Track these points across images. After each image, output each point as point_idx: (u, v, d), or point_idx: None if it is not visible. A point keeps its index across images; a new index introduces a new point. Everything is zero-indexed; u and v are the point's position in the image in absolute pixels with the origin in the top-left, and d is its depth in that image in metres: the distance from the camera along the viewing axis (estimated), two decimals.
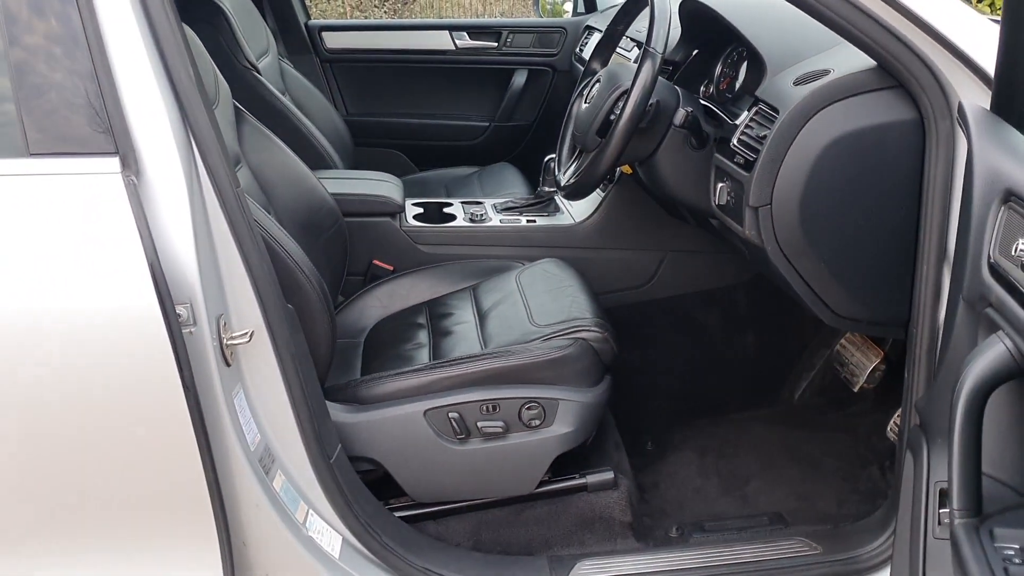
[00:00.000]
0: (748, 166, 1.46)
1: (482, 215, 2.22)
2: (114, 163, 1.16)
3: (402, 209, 2.19)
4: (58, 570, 1.30)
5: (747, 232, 1.47)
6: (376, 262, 2.13)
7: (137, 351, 1.19)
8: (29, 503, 1.25)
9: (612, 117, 1.68)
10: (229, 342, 1.28)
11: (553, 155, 2.22)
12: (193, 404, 1.20)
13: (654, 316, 2.16)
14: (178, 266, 1.20)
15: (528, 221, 2.20)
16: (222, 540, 1.28)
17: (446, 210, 2.28)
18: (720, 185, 1.56)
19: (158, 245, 1.17)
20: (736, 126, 1.56)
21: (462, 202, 2.33)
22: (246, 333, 1.30)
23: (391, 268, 2.12)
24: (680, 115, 1.63)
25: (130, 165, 1.17)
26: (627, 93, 1.62)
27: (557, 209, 2.27)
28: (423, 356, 1.76)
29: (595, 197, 2.19)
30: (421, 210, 2.25)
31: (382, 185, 2.23)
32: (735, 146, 1.53)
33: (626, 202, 2.15)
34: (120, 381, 1.21)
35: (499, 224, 2.19)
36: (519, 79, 3.21)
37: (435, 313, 1.93)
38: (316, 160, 2.36)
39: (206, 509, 1.26)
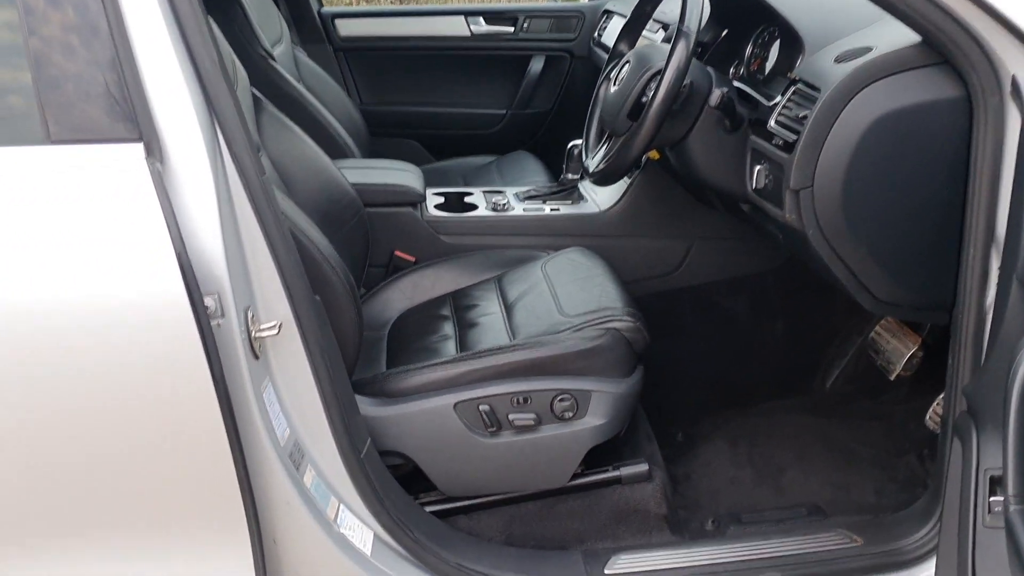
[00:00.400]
0: (788, 147, 1.42)
1: (504, 204, 2.18)
2: (138, 150, 1.13)
3: (423, 198, 2.15)
4: (85, 568, 1.27)
5: (787, 216, 1.43)
6: (398, 253, 2.09)
7: (164, 344, 1.15)
8: (55, 499, 1.22)
9: (644, 99, 1.64)
10: (257, 334, 1.25)
11: (577, 141, 2.18)
12: (223, 398, 1.16)
13: (682, 304, 2.12)
14: (205, 256, 1.16)
15: (552, 210, 2.16)
16: (253, 537, 1.24)
17: (467, 199, 2.23)
18: (758, 168, 1.52)
19: (184, 234, 1.13)
20: (773, 107, 1.52)
21: (483, 191, 2.29)
22: (274, 325, 1.26)
23: (413, 259, 2.09)
24: (716, 96, 1.59)
25: (154, 152, 1.14)
26: (659, 74, 1.58)
27: (581, 197, 2.23)
28: (449, 348, 1.72)
29: (620, 184, 2.14)
30: (442, 199, 2.21)
31: (402, 174, 2.19)
32: (773, 127, 1.48)
33: (652, 189, 2.10)
34: (146, 375, 1.17)
35: (522, 213, 2.15)
36: (536, 65, 3.17)
37: (460, 304, 1.89)
38: (334, 150, 2.32)
39: (236, 506, 1.23)
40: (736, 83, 1.72)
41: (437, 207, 2.17)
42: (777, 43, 1.70)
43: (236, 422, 1.19)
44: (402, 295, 1.98)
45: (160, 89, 1.15)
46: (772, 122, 1.49)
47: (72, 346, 1.15)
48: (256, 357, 1.25)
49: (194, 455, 1.22)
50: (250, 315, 1.23)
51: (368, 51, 3.18)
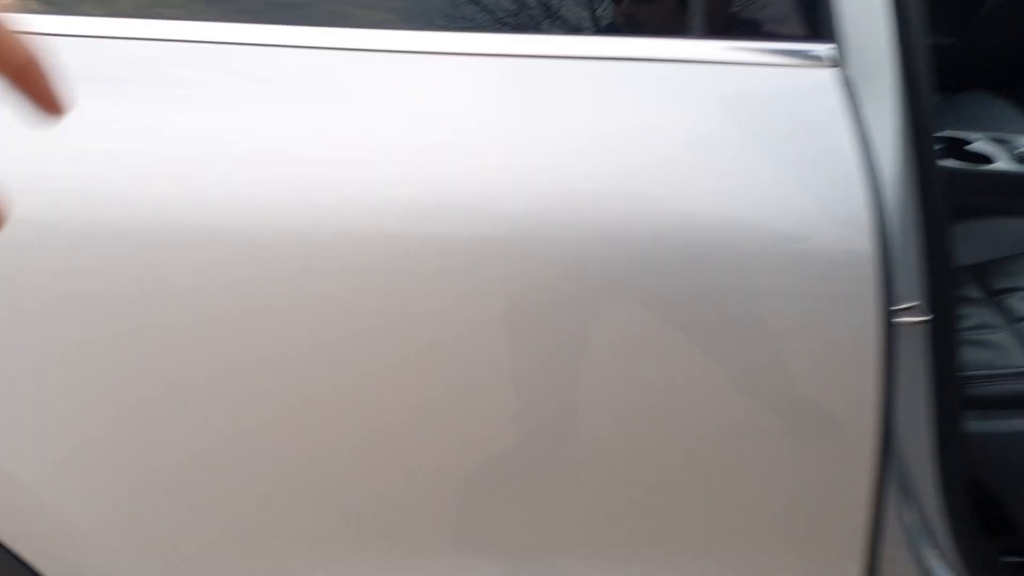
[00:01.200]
0: None
1: None
2: (827, 51, 0.83)
3: None
4: None
5: None
6: None
7: (813, 322, 0.87)
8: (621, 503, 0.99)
9: None
10: (897, 320, 0.93)
11: None
12: (884, 403, 0.87)
13: None
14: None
15: None
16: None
17: (968, 147, 1.78)
18: None
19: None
20: None
21: (990, 137, 1.81)
22: (915, 309, 0.94)
23: None
24: None
25: (845, 57, 0.83)
26: None
27: None
28: (1007, 343, 1.32)
29: None
30: (942, 144, 1.77)
31: None
32: None
33: None
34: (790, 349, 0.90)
35: None
36: None
37: (991, 286, 1.47)
38: None
39: (848, 532, 0.95)
40: None
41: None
42: None
43: (890, 434, 0.89)
44: None
45: None
46: None
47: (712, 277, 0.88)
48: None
49: (811, 468, 0.94)
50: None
51: None
